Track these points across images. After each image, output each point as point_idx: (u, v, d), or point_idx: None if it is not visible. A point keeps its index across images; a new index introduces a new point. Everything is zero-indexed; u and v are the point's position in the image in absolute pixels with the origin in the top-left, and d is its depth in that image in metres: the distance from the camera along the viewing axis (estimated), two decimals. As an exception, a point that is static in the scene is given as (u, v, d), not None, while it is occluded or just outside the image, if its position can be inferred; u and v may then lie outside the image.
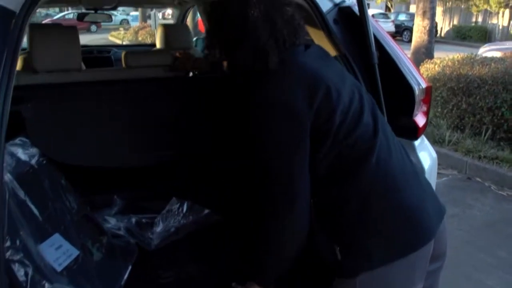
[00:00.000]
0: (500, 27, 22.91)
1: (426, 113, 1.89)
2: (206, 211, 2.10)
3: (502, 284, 2.69)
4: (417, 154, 1.84)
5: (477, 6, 22.43)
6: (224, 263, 1.87)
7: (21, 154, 1.56)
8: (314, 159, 1.21)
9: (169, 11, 19.73)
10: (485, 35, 21.64)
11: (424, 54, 8.62)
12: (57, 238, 1.54)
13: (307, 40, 1.36)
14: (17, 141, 1.57)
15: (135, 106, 2.23)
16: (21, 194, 1.44)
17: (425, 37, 8.93)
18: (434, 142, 4.75)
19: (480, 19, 25.17)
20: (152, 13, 12.16)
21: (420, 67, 5.96)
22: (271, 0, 1.24)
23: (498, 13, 22.71)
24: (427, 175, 1.64)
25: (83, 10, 4.28)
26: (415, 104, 1.80)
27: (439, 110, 5.36)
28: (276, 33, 1.22)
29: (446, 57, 5.92)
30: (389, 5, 29.63)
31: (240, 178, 1.94)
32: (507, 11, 22.56)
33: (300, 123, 1.17)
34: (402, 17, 22.87)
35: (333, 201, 1.26)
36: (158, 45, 3.25)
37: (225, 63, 1.34)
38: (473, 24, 24.13)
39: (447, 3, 24.95)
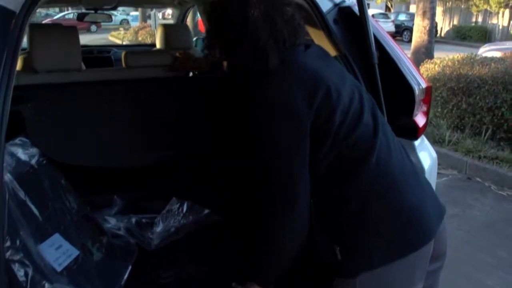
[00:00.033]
0: (500, 27, 22.91)
1: (426, 113, 1.89)
2: (206, 211, 2.10)
3: (502, 284, 2.69)
4: (417, 154, 1.84)
5: (477, 6, 22.42)
6: (224, 263, 1.87)
7: (21, 154, 1.56)
8: (314, 159, 1.21)
9: (169, 11, 19.74)
10: (485, 35, 21.64)
11: (424, 54, 8.62)
12: (57, 238, 1.54)
13: (307, 40, 1.36)
14: (17, 141, 1.57)
15: (135, 106, 2.23)
16: (21, 194, 1.43)
17: (425, 37, 8.94)
18: (434, 142, 4.75)
19: (480, 19, 25.16)
20: (152, 13, 12.16)
21: (420, 67, 5.96)
22: (271, 0, 1.24)
23: (498, 13, 22.70)
24: (427, 175, 1.64)
25: (83, 10, 4.27)
26: (415, 104, 1.80)
27: (439, 110, 5.36)
28: (276, 33, 1.22)
29: (446, 57, 5.92)
30: (389, 5, 29.62)
31: (240, 178, 1.94)
32: (507, 11, 22.56)
33: (300, 123, 1.17)
34: (402, 17, 22.87)
35: (333, 201, 1.26)
36: (158, 45, 3.25)
37: (225, 63, 1.34)
38: (473, 24, 24.13)
39: (447, 3, 24.94)
